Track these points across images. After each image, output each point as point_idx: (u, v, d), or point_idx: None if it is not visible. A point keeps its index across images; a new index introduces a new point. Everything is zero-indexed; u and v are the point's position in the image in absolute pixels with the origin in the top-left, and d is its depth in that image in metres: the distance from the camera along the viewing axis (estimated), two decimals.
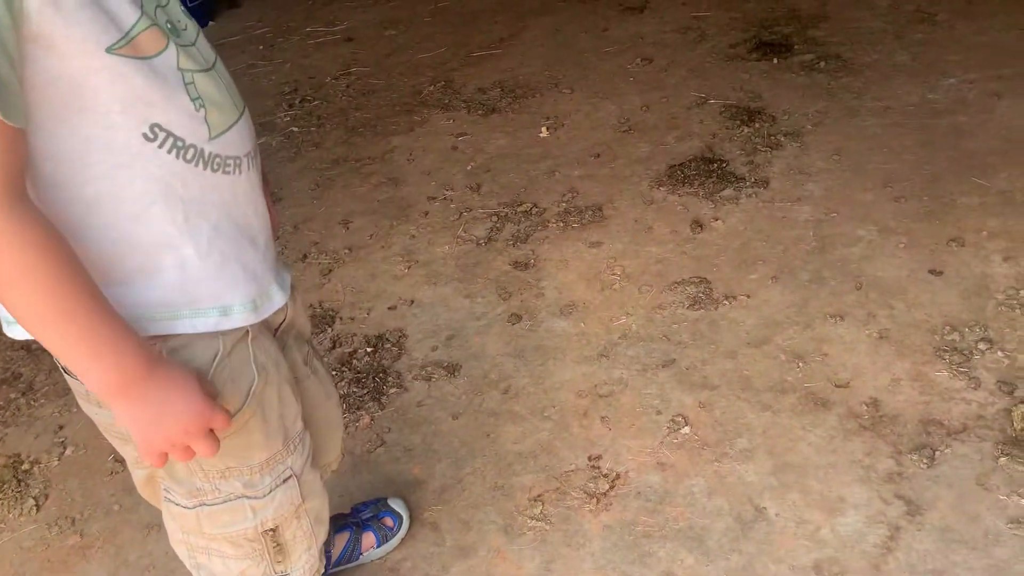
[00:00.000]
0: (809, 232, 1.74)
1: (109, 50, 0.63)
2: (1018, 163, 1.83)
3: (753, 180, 1.93)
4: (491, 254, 1.86)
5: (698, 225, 1.82)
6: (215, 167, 0.73)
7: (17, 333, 0.73)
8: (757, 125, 2.13)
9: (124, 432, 0.80)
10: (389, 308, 1.74)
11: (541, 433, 1.41)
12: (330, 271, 1.88)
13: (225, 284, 0.76)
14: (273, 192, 2.21)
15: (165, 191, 0.71)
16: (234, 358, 0.78)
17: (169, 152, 0.70)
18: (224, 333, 0.77)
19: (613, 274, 1.73)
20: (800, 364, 1.45)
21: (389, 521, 1.25)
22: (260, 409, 0.82)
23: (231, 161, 0.75)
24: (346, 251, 1.94)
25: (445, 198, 2.09)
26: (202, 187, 0.73)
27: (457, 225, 1.98)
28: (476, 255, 1.86)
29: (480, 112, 2.45)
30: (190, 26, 0.73)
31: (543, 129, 2.31)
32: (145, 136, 0.68)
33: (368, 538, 1.23)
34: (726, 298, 1.61)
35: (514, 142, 2.28)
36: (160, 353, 0.71)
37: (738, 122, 2.15)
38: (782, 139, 2.06)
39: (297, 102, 2.69)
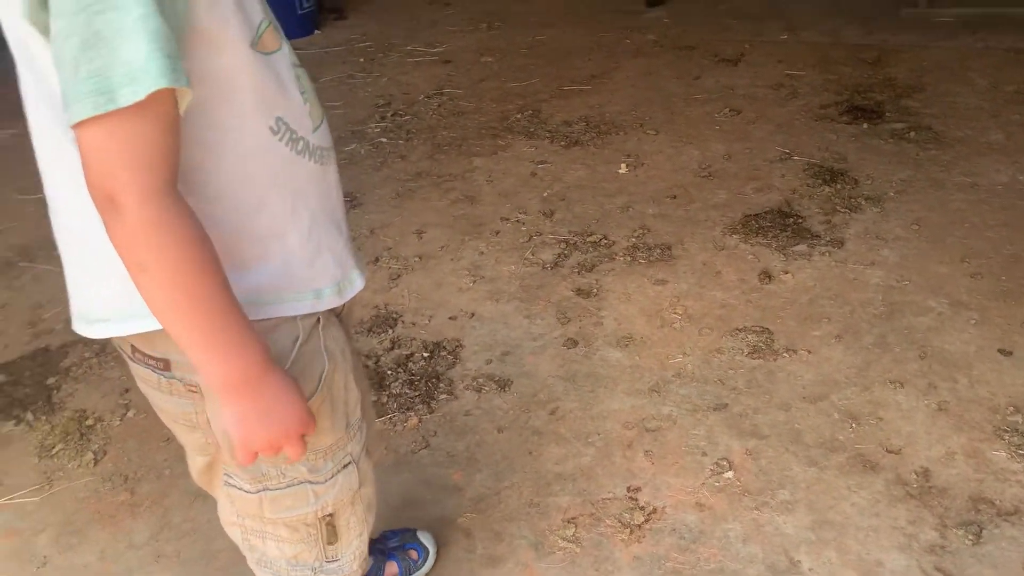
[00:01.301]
0: (879, 297, 1.72)
1: (251, 46, 0.68)
2: None
3: (828, 239, 1.92)
4: (555, 279, 1.88)
5: (767, 276, 1.82)
6: (315, 158, 0.78)
7: (96, 332, 0.76)
8: (839, 186, 2.12)
9: (193, 420, 0.81)
10: (450, 318, 1.78)
11: (583, 458, 1.41)
12: (399, 276, 1.93)
13: (318, 269, 0.80)
14: (355, 197, 2.28)
15: (281, 182, 0.75)
16: (309, 344, 0.81)
17: (286, 144, 0.74)
18: (303, 318, 0.79)
19: (675, 313, 1.74)
20: (853, 425, 1.43)
21: (415, 554, 1.25)
22: (329, 395, 0.84)
23: (324, 152, 0.80)
24: (416, 259, 1.99)
25: (518, 220, 2.13)
26: (306, 177, 0.77)
27: (526, 247, 2.01)
28: (541, 278, 1.89)
29: (563, 143, 2.50)
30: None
31: (623, 166, 2.34)
32: (271, 129, 0.73)
33: (391, 567, 1.23)
34: (786, 350, 1.60)
35: (592, 175, 2.32)
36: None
37: (820, 181, 2.15)
38: (863, 203, 2.04)
39: (389, 115, 2.78)
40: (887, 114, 2.46)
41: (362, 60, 3.26)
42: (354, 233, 2.10)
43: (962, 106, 2.47)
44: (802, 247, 1.90)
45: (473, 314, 1.79)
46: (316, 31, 3.57)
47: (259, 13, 0.70)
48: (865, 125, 2.40)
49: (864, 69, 2.77)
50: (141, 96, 0.59)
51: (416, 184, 2.35)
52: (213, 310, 0.66)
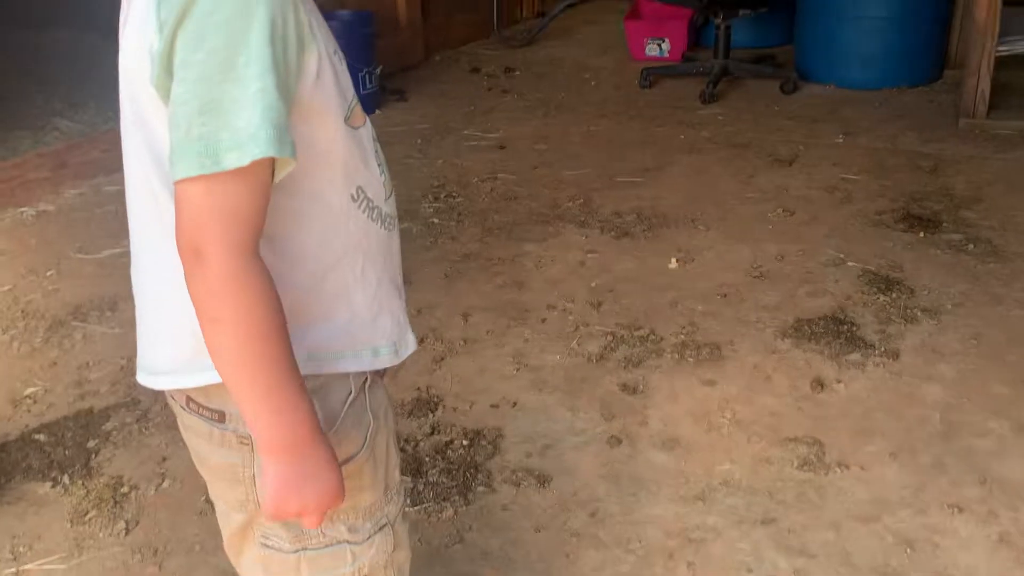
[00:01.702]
0: (936, 415, 1.66)
1: (345, 120, 0.75)
2: None
3: (883, 350, 1.87)
4: (601, 372, 1.86)
5: (819, 384, 1.77)
6: (384, 224, 0.83)
7: (159, 384, 0.81)
8: (895, 295, 2.08)
9: (239, 474, 0.82)
10: (491, 406, 1.75)
11: (622, 566, 1.36)
12: (442, 359, 1.92)
13: (378, 328, 0.84)
14: (405, 275, 2.28)
15: (355, 246, 0.80)
16: (357, 402, 0.83)
17: (364, 211, 0.80)
18: (355, 376, 0.83)
19: (723, 417, 1.69)
20: (908, 550, 1.36)
21: None
22: (372, 454, 0.86)
23: (392, 220, 0.85)
24: (461, 342, 1.98)
25: (565, 309, 2.12)
26: (375, 242, 0.83)
27: (572, 337, 1.99)
28: (586, 370, 1.86)
29: (613, 234, 2.50)
30: None
31: (673, 260, 2.33)
32: (352, 196, 0.78)
33: None
34: (838, 465, 1.55)
35: (642, 268, 2.31)
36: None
37: (875, 289, 2.11)
38: (919, 314, 2.00)
39: (442, 196, 2.81)
40: (944, 224, 2.42)
41: (419, 142, 3.33)
42: None
43: (1022, 221, 2.43)
44: (856, 356, 1.86)
45: (515, 403, 1.76)
46: (377, 111, 3.66)
47: (351, 91, 0.76)
48: (922, 234, 2.37)
49: (921, 177, 2.75)
50: (245, 162, 0.64)
51: (465, 266, 2.36)
52: (276, 369, 0.69)
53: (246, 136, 0.64)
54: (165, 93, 0.67)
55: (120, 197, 0.83)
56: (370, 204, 0.80)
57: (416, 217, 2.66)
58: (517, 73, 4.23)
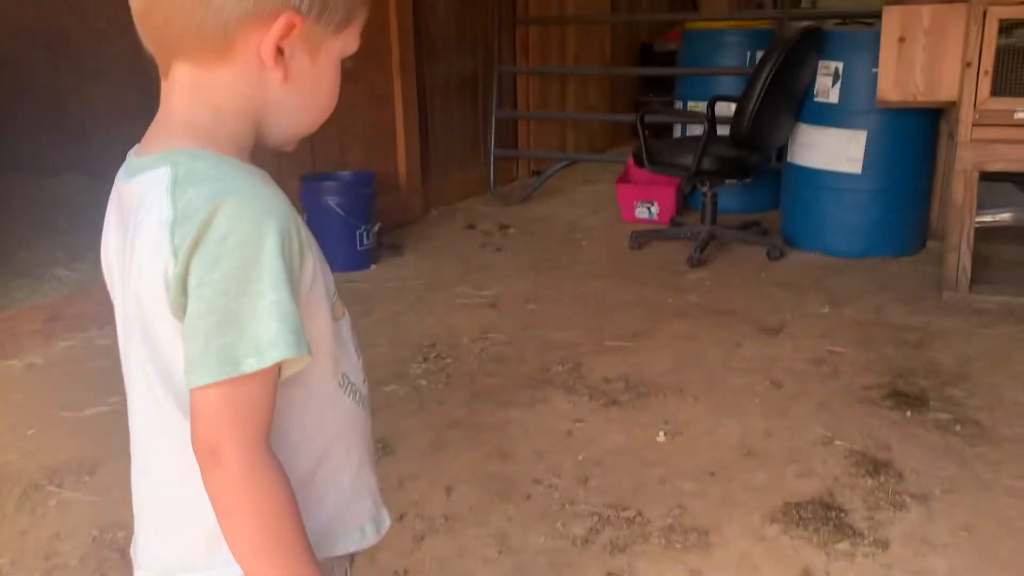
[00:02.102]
0: None
1: (334, 319, 0.81)
2: None
3: (872, 539, 1.83)
4: (585, 558, 1.81)
5: None
6: (363, 405, 0.88)
7: None
8: (883, 479, 2.05)
9: None
10: None
11: None
12: (423, 538, 1.87)
13: (361, 508, 0.88)
14: (388, 443, 2.28)
15: (342, 431, 0.84)
16: None
17: (349, 396, 0.84)
18: (338, 559, 0.85)
19: None
20: None
21: None
22: None
23: (367, 399, 0.89)
24: (442, 520, 1.94)
25: (551, 484, 2.08)
26: (358, 423, 0.87)
27: (557, 517, 1.95)
28: (570, 555, 1.82)
29: (601, 402, 2.50)
30: None
31: (661, 433, 2.31)
32: (339, 383, 0.83)
33: None
34: None
35: (629, 440, 2.29)
36: None
37: (863, 471, 2.09)
38: (908, 500, 1.97)
39: (432, 356, 2.83)
40: (931, 402, 2.43)
41: (412, 299, 3.38)
42: (383, 484, 2.06)
43: (1010, 401, 2.43)
44: (845, 545, 1.82)
45: None
46: (372, 266, 3.74)
47: (333, 286, 0.82)
48: (909, 413, 2.37)
49: (907, 351, 2.78)
50: (265, 364, 0.69)
51: (451, 433, 2.34)
52: (295, 552, 0.73)
53: (266, 342, 0.69)
54: (180, 310, 0.71)
55: (109, 351, 0.87)
56: (353, 388, 0.85)
57: (404, 379, 2.66)
58: (511, 230, 4.35)
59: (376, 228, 3.73)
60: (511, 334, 3.01)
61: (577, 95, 5.96)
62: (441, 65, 4.65)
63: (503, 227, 4.39)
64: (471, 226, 4.42)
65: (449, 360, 2.81)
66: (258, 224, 0.69)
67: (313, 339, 0.76)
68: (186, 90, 0.76)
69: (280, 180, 3.12)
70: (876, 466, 2.11)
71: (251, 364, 0.69)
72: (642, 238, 3.96)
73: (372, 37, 4.07)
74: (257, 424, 0.71)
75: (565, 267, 3.76)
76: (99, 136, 3.46)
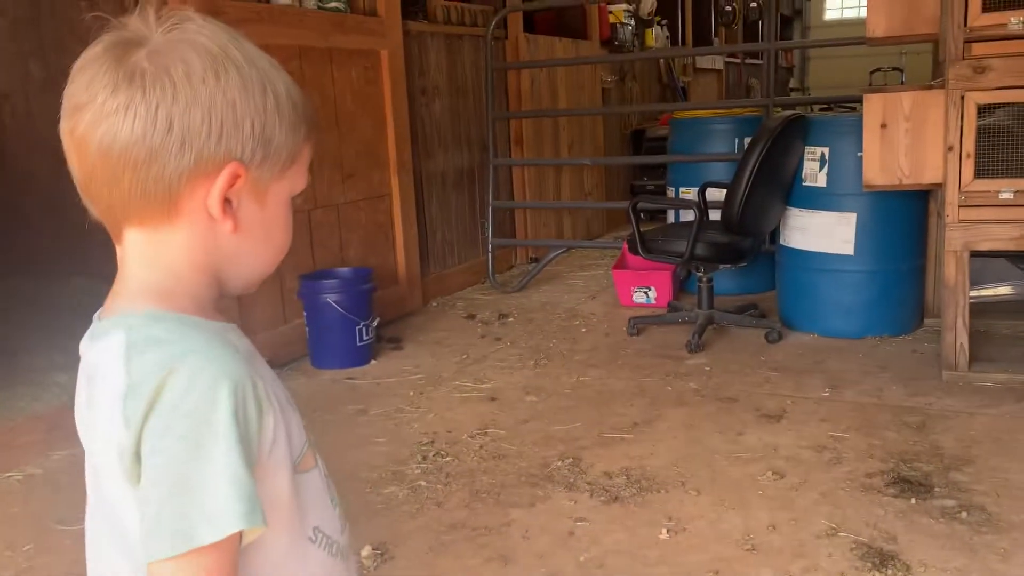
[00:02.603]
0: None
1: (295, 467, 0.78)
2: None
3: None
4: None
5: None
6: (344, 556, 0.85)
7: None
8: (890, 572, 2.01)
9: None
10: None
11: None
12: None
13: None
14: (387, 548, 2.25)
15: None
16: None
17: (323, 550, 0.81)
18: None
19: None
20: None
21: None
22: None
23: (348, 549, 0.86)
24: None
25: None
26: (337, 573, 0.84)
27: None
28: None
29: (603, 498, 2.47)
30: None
31: (664, 531, 2.28)
32: (310, 539, 0.80)
33: None
34: None
35: (632, 539, 2.25)
36: None
37: (869, 565, 2.05)
38: None
39: (431, 455, 2.81)
40: (936, 488, 2.40)
41: (411, 393, 3.38)
42: None
43: (1015, 484, 2.40)
44: None
45: None
46: (372, 360, 3.75)
47: (302, 439, 0.80)
48: (913, 500, 2.34)
49: (909, 435, 2.76)
50: (219, 538, 0.66)
51: (450, 537, 2.31)
52: None
53: (218, 512, 0.66)
54: (135, 478, 0.69)
55: None
56: (328, 541, 0.82)
57: (403, 480, 2.64)
58: (511, 319, 4.37)
59: (375, 323, 3.75)
60: (510, 428, 3.00)
61: (572, 182, 6.07)
62: (437, 160, 4.76)
63: (502, 316, 4.42)
64: (471, 316, 4.45)
65: (448, 458, 2.79)
66: (211, 388, 0.68)
67: (274, 499, 0.74)
68: (139, 254, 0.75)
69: (280, 279, 3.21)
70: (883, 559, 2.07)
71: (204, 536, 0.66)
72: (640, 324, 3.97)
73: (369, 138, 4.19)
74: None
75: (564, 355, 3.77)
76: (100, 237, 3.52)
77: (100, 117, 0.70)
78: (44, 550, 2.28)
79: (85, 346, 0.79)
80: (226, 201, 0.74)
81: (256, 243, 0.78)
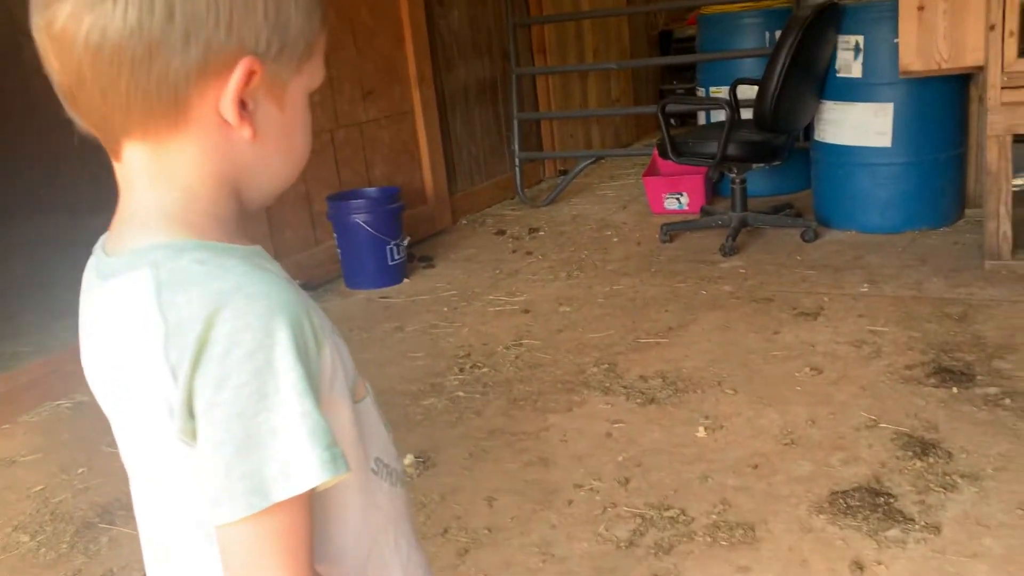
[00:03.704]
0: None
1: (356, 401, 0.71)
2: None
3: (923, 523, 1.79)
4: (630, 561, 1.79)
5: (858, 567, 1.69)
6: (402, 483, 0.80)
7: None
8: (931, 460, 2.01)
9: None
10: None
11: None
12: (466, 551, 1.88)
13: None
14: (429, 456, 2.29)
15: (387, 520, 0.76)
16: None
17: (385, 480, 0.76)
18: None
19: None
20: None
21: None
22: None
23: (403, 474, 0.81)
24: (486, 531, 1.94)
25: (592, 488, 2.07)
26: (400, 505, 0.78)
27: (600, 520, 1.94)
28: (615, 559, 1.80)
29: (639, 401, 2.48)
30: None
31: (701, 429, 2.29)
32: (373, 471, 0.74)
33: None
34: None
35: (669, 438, 2.27)
36: None
37: (910, 453, 2.04)
38: (959, 480, 1.92)
39: (468, 367, 2.83)
40: (978, 377, 2.36)
41: (446, 310, 3.39)
42: (425, 499, 2.08)
43: None
44: (895, 532, 1.78)
45: None
46: (405, 279, 3.76)
47: (352, 367, 0.72)
48: (955, 389, 2.31)
49: (950, 326, 2.71)
50: (297, 491, 0.59)
51: (490, 443, 2.34)
52: None
53: (295, 465, 0.59)
54: (190, 435, 0.61)
55: None
56: (389, 470, 0.76)
57: (442, 392, 2.67)
58: (541, 233, 4.34)
59: (406, 242, 3.75)
60: (545, 339, 3.01)
61: (599, 90, 5.93)
62: (459, 73, 4.66)
63: (532, 230, 4.38)
64: (501, 232, 4.42)
65: (485, 369, 2.81)
66: (265, 328, 0.59)
67: (341, 436, 0.66)
68: (145, 172, 0.65)
69: (309, 201, 3.21)
70: (924, 447, 2.06)
71: (281, 491, 0.59)
72: (673, 230, 3.92)
73: (388, 52, 4.10)
74: (298, 556, 0.61)
75: (596, 266, 3.74)
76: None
77: (83, 7, 0.59)
78: (96, 472, 2.36)
79: (91, 284, 0.69)
80: (242, 104, 0.63)
81: (277, 150, 0.68)
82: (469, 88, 4.76)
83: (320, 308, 0.73)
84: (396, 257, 3.69)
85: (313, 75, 0.70)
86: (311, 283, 3.66)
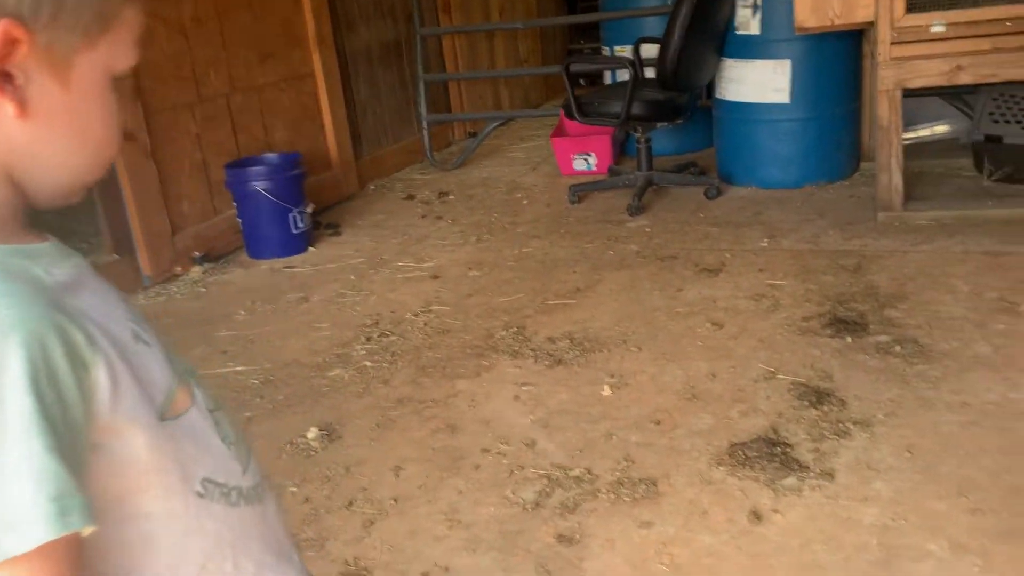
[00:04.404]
0: (873, 540, 1.63)
1: (162, 419, 0.63)
2: None
3: (818, 471, 1.85)
4: (536, 522, 1.80)
5: (756, 516, 1.73)
6: (251, 500, 0.72)
7: None
8: (826, 408, 2.07)
9: None
10: (423, 574, 1.68)
11: None
12: (372, 523, 1.85)
13: None
14: (334, 429, 2.24)
15: (217, 543, 0.68)
16: None
17: (219, 502, 0.68)
18: None
19: (661, 563, 1.64)
20: None
21: None
22: None
23: (258, 489, 0.74)
24: (392, 502, 1.92)
25: (499, 452, 2.07)
26: (243, 525, 0.71)
27: (507, 484, 1.94)
28: (521, 521, 1.81)
29: (547, 363, 2.48)
30: (191, 366, 0.73)
31: (606, 387, 2.31)
32: (198, 494, 0.66)
33: None
34: None
35: (576, 397, 2.28)
36: None
37: (806, 403, 2.10)
38: (851, 427, 1.99)
39: (376, 336, 2.79)
40: (871, 326, 2.45)
41: (353, 278, 3.32)
42: (330, 472, 2.05)
43: (946, 316, 2.46)
44: (791, 480, 1.83)
45: (447, 568, 1.69)
46: (310, 248, 3.66)
47: (165, 378, 0.64)
48: (849, 339, 2.39)
49: (845, 277, 2.79)
50: (26, 549, 0.52)
51: (397, 412, 2.31)
52: None
53: (20, 518, 0.51)
54: None
55: None
56: (224, 490, 0.69)
57: (348, 362, 2.62)
58: (451, 197, 4.29)
59: (310, 209, 3.65)
60: (455, 304, 2.98)
61: (506, 50, 5.87)
62: (360, 34, 4.53)
63: (442, 194, 4.33)
64: (410, 196, 4.36)
65: (393, 338, 2.77)
66: None
67: (132, 461, 0.60)
68: None
69: (206, 169, 3.06)
70: (819, 396, 2.12)
71: (12, 546, 0.51)
72: (581, 191, 3.92)
73: (285, 14, 3.95)
74: None
75: (506, 229, 3.72)
76: None
77: None
78: None
79: None
80: (5, 76, 0.55)
81: (63, 136, 0.60)
82: (372, 49, 4.64)
83: (125, 311, 0.65)
84: (300, 225, 3.59)
85: (115, 53, 0.61)
86: (212, 254, 3.54)
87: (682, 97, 3.64)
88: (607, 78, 4.75)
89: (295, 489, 1.99)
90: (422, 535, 1.80)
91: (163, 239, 3.36)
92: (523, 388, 2.36)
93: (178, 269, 3.43)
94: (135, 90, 3.20)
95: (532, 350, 2.57)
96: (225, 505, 0.69)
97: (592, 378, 2.36)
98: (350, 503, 1.93)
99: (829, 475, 1.83)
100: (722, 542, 1.68)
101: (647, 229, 3.47)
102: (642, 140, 3.72)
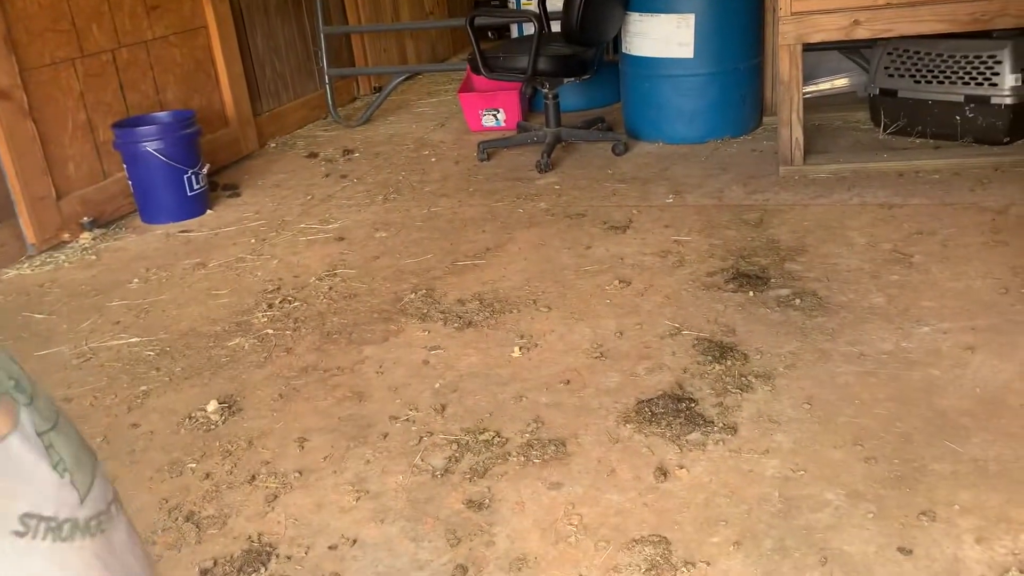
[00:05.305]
0: (775, 492, 1.67)
1: None
2: (991, 428, 1.78)
3: (721, 425, 1.88)
4: (446, 488, 1.78)
5: (662, 473, 1.75)
6: (92, 531, 0.65)
7: None
8: (729, 363, 2.10)
9: None
10: (329, 547, 1.65)
11: None
12: (276, 497, 1.80)
13: None
14: (235, 401, 2.17)
15: None
16: None
17: (44, 539, 0.62)
18: None
19: (570, 523, 1.65)
20: None
21: None
22: None
23: (101, 517, 0.66)
24: (296, 474, 1.87)
25: (408, 419, 2.04)
26: (82, 561, 0.64)
27: (415, 451, 1.91)
28: (430, 489, 1.79)
29: (456, 326, 2.45)
30: (23, 376, 0.64)
31: (516, 349, 2.29)
32: (17, 533, 0.60)
33: None
34: (685, 564, 1.52)
35: (485, 360, 2.26)
36: None
37: (710, 358, 2.13)
38: (753, 380, 2.03)
39: (277, 302, 2.70)
40: (772, 280, 2.50)
41: (253, 241, 3.21)
42: (231, 447, 1.98)
43: (843, 268, 2.53)
44: (696, 435, 1.86)
45: (355, 540, 1.66)
46: (208, 211, 3.52)
47: None
48: (751, 293, 2.43)
49: (747, 232, 2.84)
50: None
51: (301, 381, 2.24)
52: None
53: None
54: None
55: None
56: (53, 524, 0.62)
57: (248, 330, 2.53)
58: (356, 155, 4.17)
59: (206, 170, 3.49)
60: (360, 267, 2.91)
61: (411, 2, 5.71)
62: None
63: (347, 152, 4.21)
64: (313, 154, 4.22)
65: (296, 304, 2.69)
66: None
67: None
68: None
69: (92, 130, 2.90)
70: (722, 351, 2.16)
71: None
72: (490, 148, 3.87)
73: None
74: None
75: (414, 188, 3.65)
76: None
77: None
78: None
79: None
80: None
81: None
82: (269, 1, 4.44)
83: None
84: (196, 187, 3.44)
85: None
86: (101, 219, 3.36)
87: (588, 52, 3.61)
88: (514, 31, 4.68)
89: (194, 465, 1.92)
90: (328, 507, 1.76)
91: (47, 203, 3.16)
92: (432, 352, 2.32)
93: (66, 236, 3.24)
94: (8, 43, 2.97)
95: (441, 313, 2.53)
96: (54, 542, 0.61)
97: (502, 340, 2.34)
98: (252, 477, 1.87)
99: (732, 429, 1.86)
100: (629, 500, 1.69)
101: (556, 186, 3.45)
102: (550, 96, 3.68)
